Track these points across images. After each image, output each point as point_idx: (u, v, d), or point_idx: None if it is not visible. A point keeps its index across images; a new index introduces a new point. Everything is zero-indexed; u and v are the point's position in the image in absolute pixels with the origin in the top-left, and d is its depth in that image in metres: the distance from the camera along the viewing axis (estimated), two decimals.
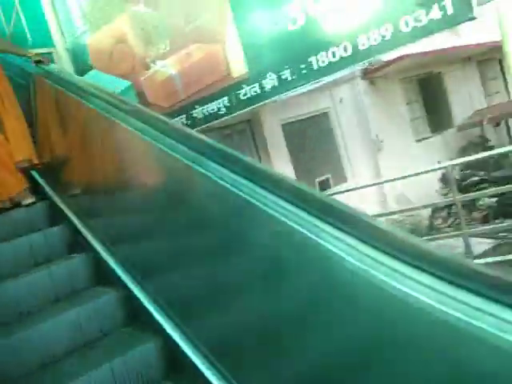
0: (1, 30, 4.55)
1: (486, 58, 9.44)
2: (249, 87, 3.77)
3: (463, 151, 8.26)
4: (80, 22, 4.46)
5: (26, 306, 2.11)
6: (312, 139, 7.14)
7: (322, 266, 1.14)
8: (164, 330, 1.82)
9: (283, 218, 1.19)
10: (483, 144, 8.30)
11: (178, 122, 4.31)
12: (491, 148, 7.65)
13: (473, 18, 2.50)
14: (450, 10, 2.51)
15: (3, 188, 2.84)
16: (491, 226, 5.22)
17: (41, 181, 3.12)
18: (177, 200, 1.78)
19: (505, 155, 6.71)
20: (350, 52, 3.06)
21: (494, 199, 6.08)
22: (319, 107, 7.09)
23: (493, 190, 5.07)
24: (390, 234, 1.03)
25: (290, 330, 1.27)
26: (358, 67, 6.20)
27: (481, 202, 6.63)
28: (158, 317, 1.88)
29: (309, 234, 1.12)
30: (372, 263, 1.00)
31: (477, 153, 6.52)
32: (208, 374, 1.56)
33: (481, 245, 5.24)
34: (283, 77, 3.55)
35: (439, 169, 5.21)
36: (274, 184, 1.26)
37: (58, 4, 4.41)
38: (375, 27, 2.85)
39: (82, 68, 4.60)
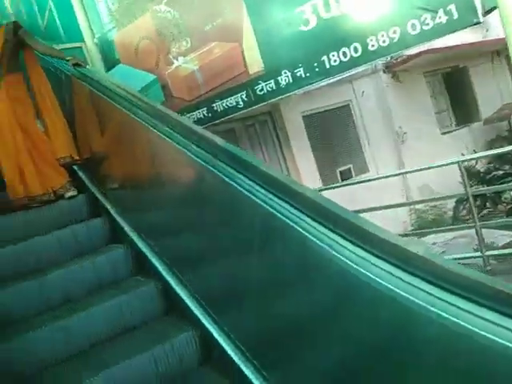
0: (36, 26, 4.85)
1: None
2: (265, 83, 3.91)
3: (491, 144, 8.11)
4: (107, 18, 4.69)
5: (72, 294, 2.26)
6: (333, 130, 7.19)
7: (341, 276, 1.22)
8: (199, 321, 1.92)
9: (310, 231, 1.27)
10: None
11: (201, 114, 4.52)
12: None
13: (478, 23, 2.55)
14: (455, 15, 2.56)
15: (47, 182, 3.01)
16: None
17: (81, 175, 3.28)
18: (213, 197, 1.82)
19: None
20: (360, 52, 3.15)
21: None
22: (340, 99, 7.12)
23: None
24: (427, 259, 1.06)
25: (320, 327, 1.35)
26: (381, 61, 6.21)
27: (506, 195, 6.59)
28: (194, 308, 1.97)
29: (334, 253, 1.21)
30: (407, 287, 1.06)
31: (504, 146, 6.44)
32: (239, 362, 1.68)
33: (504, 237, 5.27)
34: (297, 74, 3.67)
35: (457, 162, 5.20)
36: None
37: (87, 2, 4.64)
38: (384, 30, 2.93)
39: (110, 62, 4.83)
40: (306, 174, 6.52)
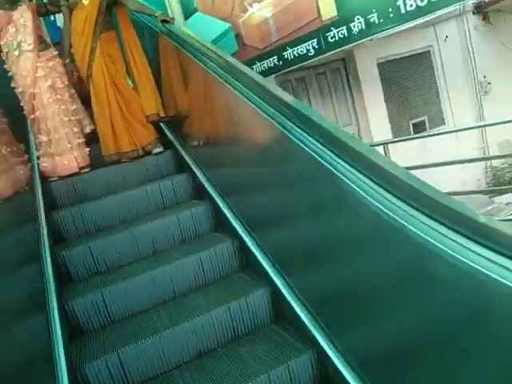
0: None
1: None
2: (337, 30, 3.87)
3: None
4: None
5: (159, 246, 2.44)
6: (410, 79, 6.86)
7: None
8: (271, 279, 1.99)
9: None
10: None
11: (271, 62, 4.59)
12: None
13: None
14: None
15: (137, 138, 3.14)
16: None
17: (167, 132, 3.40)
18: (290, 160, 1.79)
19: None
20: None
21: None
22: (420, 45, 6.71)
23: None
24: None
25: (387, 296, 1.34)
26: (469, 2, 5.72)
27: None
28: (267, 267, 2.05)
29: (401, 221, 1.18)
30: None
31: None
32: (307, 321, 1.77)
33: None
34: (371, 20, 3.60)
35: None
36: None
37: None
38: None
39: (189, 10, 4.98)
40: (377, 125, 6.39)
